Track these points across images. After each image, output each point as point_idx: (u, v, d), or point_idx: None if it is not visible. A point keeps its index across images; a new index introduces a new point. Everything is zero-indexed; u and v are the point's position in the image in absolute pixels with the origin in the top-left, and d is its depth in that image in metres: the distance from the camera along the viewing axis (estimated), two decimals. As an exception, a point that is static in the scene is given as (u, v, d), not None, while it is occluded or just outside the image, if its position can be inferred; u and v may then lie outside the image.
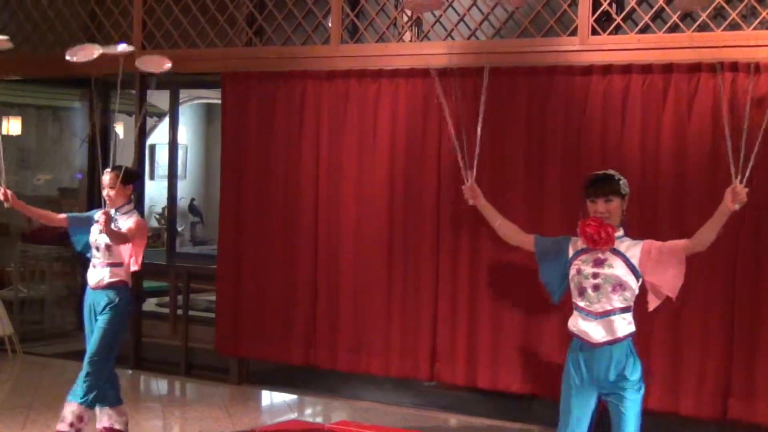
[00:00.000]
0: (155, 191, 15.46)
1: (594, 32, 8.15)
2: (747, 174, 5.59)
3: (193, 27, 9.94)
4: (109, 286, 7.49)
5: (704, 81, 7.66)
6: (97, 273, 7.56)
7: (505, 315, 8.48)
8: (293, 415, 9.10)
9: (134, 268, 7.51)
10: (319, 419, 9.19)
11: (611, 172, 5.95)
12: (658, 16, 8.03)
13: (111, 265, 7.51)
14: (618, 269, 5.73)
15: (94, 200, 12.02)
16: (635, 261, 5.74)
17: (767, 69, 7.41)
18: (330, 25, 9.30)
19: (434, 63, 8.62)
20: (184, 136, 16.96)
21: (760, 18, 7.58)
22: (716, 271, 7.58)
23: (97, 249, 7.57)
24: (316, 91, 9.30)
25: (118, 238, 7.34)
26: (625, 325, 5.76)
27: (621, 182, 5.84)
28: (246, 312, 9.69)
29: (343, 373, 9.44)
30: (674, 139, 7.79)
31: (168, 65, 7.87)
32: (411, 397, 9.48)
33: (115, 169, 7.62)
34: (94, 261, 7.62)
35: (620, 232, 5.81)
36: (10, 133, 12.58)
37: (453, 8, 8.81)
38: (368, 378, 9.49)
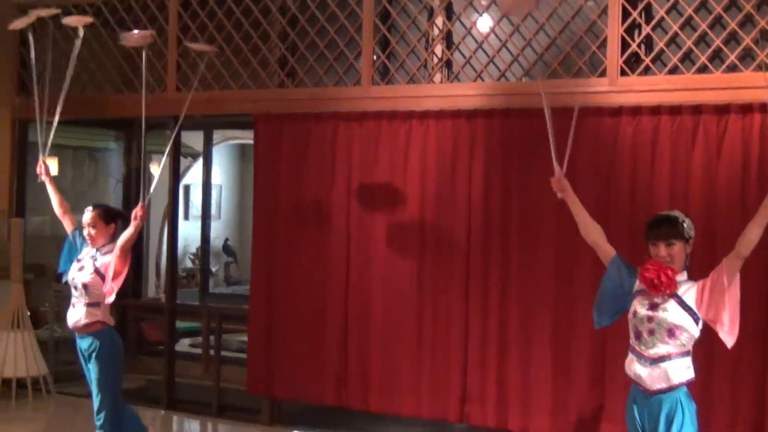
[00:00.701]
0: (189, 231, 15.57)
1: (623, 73, 8.16)
2: None
3: (226, 69, 10.04)
4: (88, 329, 7.39)
5: (733, 122, 7.65)
6: (75, 313, 7.43)
7: (536, 357, 8.44)
8: (324, 456, 9.10)
9: (106, 291, 7.33)
10: (350, 460, 9.19)
11: (675, 213, 5.73)
12: (687, 57, 8.02)
13: (88, 305, 7.37)
14: (672, 313, 5.51)
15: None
16: (692, 302, 5.52)
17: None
18: (361, 66, 9.37)
19: (464, 104, 8.69)
20: (219, 176, 17.09)
21: (789, 59, 7.58)
22: (750, 306, 7.52)
23: (75, 288, 7.45)
24: (347, 133, 9.35)
25: (129, 247, 7.30)
26: (681, 371, 5.53)
27: (685, 225, 5.64)
28: (278, 352, 9.69)
29: (374, 414, 9.42)
30: (703, 180, 7.76)
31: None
32: (442, 438, 9.46)
33: (96, 207, 7.55)
34: (72, 300, 7.50)
35: (683, 276, 5.60)
36: (47, 174, 12.73)
37: (483, 50, 8.85)
38: (399, 419, 9.45)
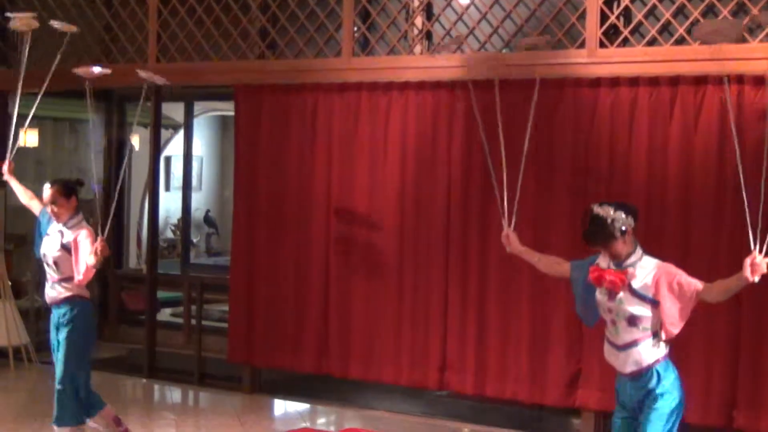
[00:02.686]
0: (171, 203, 15.58)
1: (602, 45, 8.21)
2: (766, 244, 5.30)
3: (206, 40, 10.04)
4: (64, 301, 7.45)
5: (710, 93, 7.71)
6: (50, 289, 7.47)
7: (514, 326, 8.53)
8: (305, 424, 9.14)
9: (78, 278, 7.34)
10: (331, 428, 9.25)
11: (601, 213, 5.55)
12: (665, 29, 8.08)
13: (61, 280, 7.40)
14: (628, 304, 5.54)
15: (110, 212, 12.14)
16: (648, 292, 5.50)
17: (773, 81, 7.46)
18: (342, 38, 9.39)
19: (444, 75, 8.73)
20: (200, 147, 17.08)
21: (766, 31, 7.63)
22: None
23: (48, 265, 7.48)
24: (327, 103, 9.38)
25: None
26: (650, 351, 5.55)
27: (615, 224, 5.50)
28: (258, 321, 9.76)
29: (354, 382, 9.52)
30: (681, 150, 7.84)
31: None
32: (421, 406, 9.54)
33: (55, 183, 7.48)
34: (48, 276, 7.53)
35: (635, 257, 5.57)
36: (28, 145, 12.70)
37: (463, 21, 8.90)
38: (379, 387, 9.56)
